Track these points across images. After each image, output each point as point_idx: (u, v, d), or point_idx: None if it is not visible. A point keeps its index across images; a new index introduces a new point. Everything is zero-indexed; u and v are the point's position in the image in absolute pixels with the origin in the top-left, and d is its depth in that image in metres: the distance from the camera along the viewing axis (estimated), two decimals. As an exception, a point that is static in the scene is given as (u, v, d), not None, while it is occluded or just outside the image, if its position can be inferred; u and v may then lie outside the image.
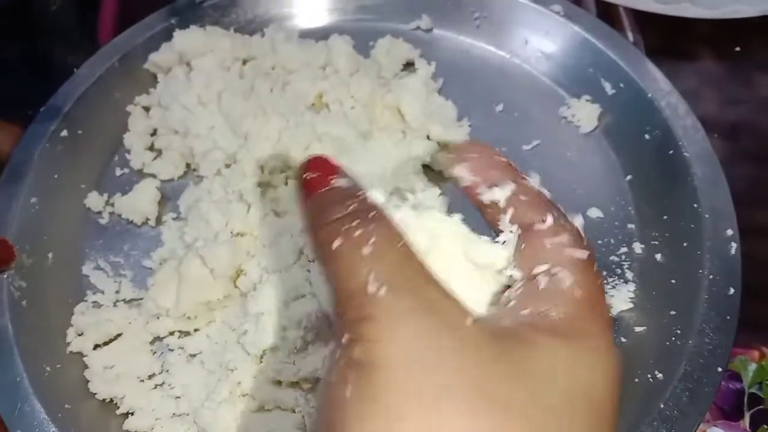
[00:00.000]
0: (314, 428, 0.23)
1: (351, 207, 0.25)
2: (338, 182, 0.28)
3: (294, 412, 0.44)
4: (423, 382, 0.21)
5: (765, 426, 0.47)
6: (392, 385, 0.21)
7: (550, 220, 0.28)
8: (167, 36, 0.58)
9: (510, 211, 0.28)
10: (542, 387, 0.22)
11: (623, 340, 0.47)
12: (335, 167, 0.29)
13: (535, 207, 0.28)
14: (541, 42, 0.61)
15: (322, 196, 0.27)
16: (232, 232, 0.48)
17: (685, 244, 0.48)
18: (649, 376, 0.43)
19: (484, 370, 0.21)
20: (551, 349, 0.23)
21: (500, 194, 0.29)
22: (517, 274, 0.27)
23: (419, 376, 0.21)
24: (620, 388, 0.24)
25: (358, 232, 0.24)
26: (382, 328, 0.22)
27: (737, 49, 0.67)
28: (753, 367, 0.50)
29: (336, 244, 0.24)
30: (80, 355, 0.47)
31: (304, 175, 0.29)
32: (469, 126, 0.56)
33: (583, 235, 0.28)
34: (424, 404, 0.20)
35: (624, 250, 0.51)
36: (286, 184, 0.52)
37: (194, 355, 0.47)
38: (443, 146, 0.54)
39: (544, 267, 0.26)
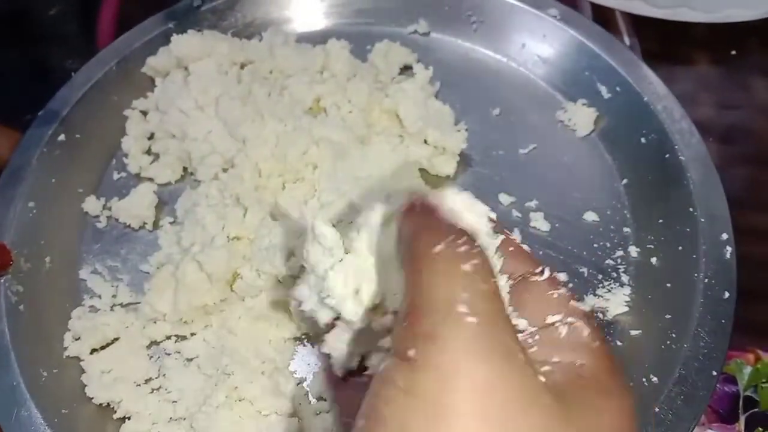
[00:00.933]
0: None
1: (458, 230, 0.25)
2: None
3: (291, 417, 0.44)
4: (483, 414, 0.20)
5: (760, 429, 0.47)
6: (453, 412, 0.20)
7: (547, 272, 0.28)
8: (165, 40, 0.58)
9: (501, 260, 0.28)
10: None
11: (619, 343, 0.47)
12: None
13: (526, 259, 0.29)
14: (538, 46, 0.61)
15: (434, 215, 0.26)
16: (228, 237, 0.48)
17: (680, 248, 0.48)
18: (644, 379, 0.44)
19: (540, 419, 0.21)
20: (590, 403, 0.24)
21: (489, 243, 0.28)
22: (523, 322, 0.27)
23: (474, 426, 0.20)
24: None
25: (463, 248, 0.23)
26: (456, 361, 0.21)
27: (733, 52, 0.67)
28: (748, 370, 0.50)
29: (439, 248, 0.23)
30: (77, 359, 0.47)
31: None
32: (466, 130, 0.56)
33: None
34: None
35: (620, 253, 0.51)
36: (283, 188, 0.52)
37: (191, 359, 0.47)
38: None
39: (559, 317, 0.27)
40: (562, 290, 0.28)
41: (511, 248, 0.29)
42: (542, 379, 0.22)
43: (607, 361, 0.26)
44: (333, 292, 0.28)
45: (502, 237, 0.29)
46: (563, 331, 0.26)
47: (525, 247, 0.30)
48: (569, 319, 0.26)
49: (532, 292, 0.28)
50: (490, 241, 0.28)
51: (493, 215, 0.28)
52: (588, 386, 0.25)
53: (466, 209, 0.28)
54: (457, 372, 0.21)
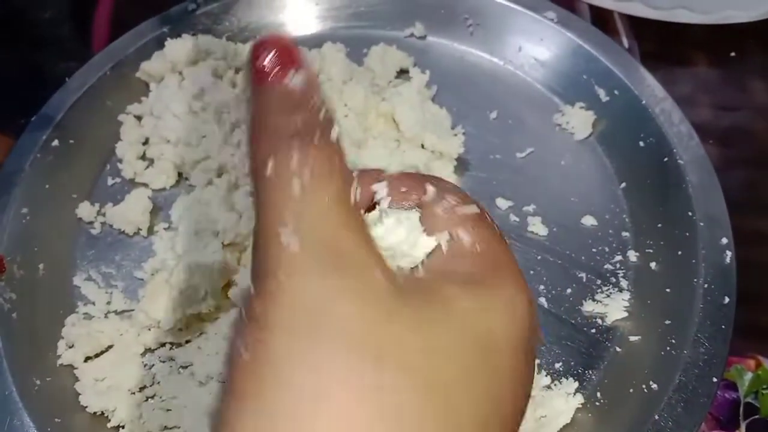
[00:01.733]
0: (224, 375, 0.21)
1: (298, 121, 0.22)
2: (293, 80, 0.23)
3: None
4: (313, 342, 0.19)
5: (761, 436, 0.47)
6: (281, 347, 0.19)
7: (430, 188, 0.26)
8: (159, 44, 0.58)
9: (392, 201, 0.27)
10: (438, 335, 0.21)
11: (618, 349, 0.47)
12: (294, 56, 0.23)
13: (413, 186, 0.27)
14: (535, 49, 0.60)
15: (269, 97, 0.23)
16: (223, 243, 0.48)
17: (679, 253, 0.48)
18: (643, 386, 0.43)
19: (379, 327, 0.20)
20: (452, 298, 0.22)
21: (381, 192, 0.27)
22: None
23: (309, 336, 0.19)
24: (529, 336, 0.23)
25: (294, 160, 0.21)
26: (282, 286, 0.20)
27: (732, 54, 0.67)
28: (749, 376, 0.49)
29: (269, 170, 0.21)
30: (71, 367, 0.47)
31: (257, 62, 0.23)
32: (463, 134, 0.56)
33: (466, 193, 0.27)
34: (312, 367, 0.19)
35: (618, 258, 0.51)
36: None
37: (185, 367, 0.47)
38: None
39: (445, 235, 0.25)
40: (449, 199, 0.26)
41: (398, 185, 0.27)
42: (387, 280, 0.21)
43: (490, 261, 0.24)
44: None
45: (385, 184, 0.27)
46: (445, 247, 0.25)
47: (413, 172, 0.29)
48: (454, 232, 0.25)
49: (427, 215, 0.26)
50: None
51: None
52: (455, 282, 0.23)
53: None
54: (284, 299, 0.20)
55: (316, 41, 0.60)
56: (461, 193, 0.27)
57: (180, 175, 0.56)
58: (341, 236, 0.21)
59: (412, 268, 0.25)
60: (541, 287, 0.49)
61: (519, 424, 0.23)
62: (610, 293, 0.49)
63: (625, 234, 0.52)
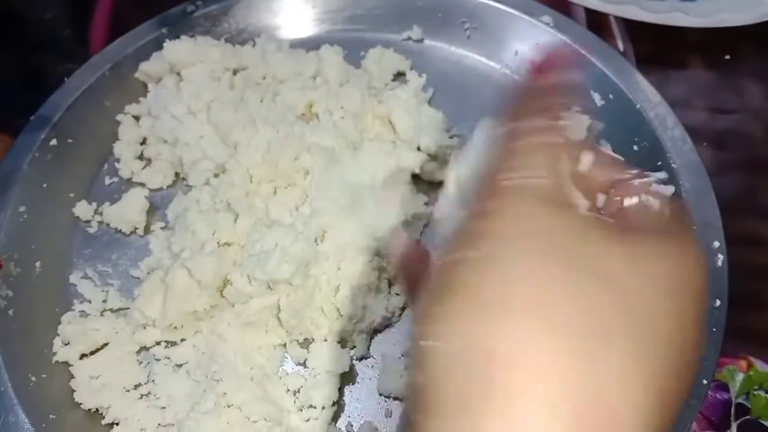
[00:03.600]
0: (431, 291, 0.24)
1: (546, 102, 0.28)
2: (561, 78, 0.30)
3: (279, 424, 0.44)
4: (530, 247, 0.23)
5: (752, 437, 0.47)
6: (500, 251, 0.23)
7: (633, 171, 0.29)
8: (158, 46, 0.59)
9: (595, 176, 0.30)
10: (644, 267, 0.23)
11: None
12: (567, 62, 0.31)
13: (620, 166, 0.30)
14: (532, 53, 0.60)
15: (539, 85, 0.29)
16: (218, 243, 0.48)
17: (672, 256, 0.48)
18: (634, 388, 0.43)
19: (589, 242, 0.23)
20: (652, 241, 0.25)
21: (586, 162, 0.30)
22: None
23: (527, 242, 0.23)
24: (708, 284, 0.26)
25: (534, 125, 0.27)
26: (504, 203, 0.24)
27: (727, 57, 0.67)
28: (740, 377, 0.49)
29: (513, 126, 0.27)
30: (66, 364, 0.47)
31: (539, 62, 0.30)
32: (459, 137, 0.56)
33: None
34: (527, 266, 0.22)
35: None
36: (275, 194, 0.52)
37: (180, 365, 0.47)
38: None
39: (635, 199, 0.28)
40: (649, 179, 0.29)
41: (606, 160, 0.31)
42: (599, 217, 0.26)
43: (677, 222, 0.27)
44: None
45: (592, 154, 0.30)
46: (634, 207, 0.27)
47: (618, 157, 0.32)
48: (644, 198, 0.28)
49: (619, 187, 0.29)
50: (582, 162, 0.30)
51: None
52: (649, 230, 0.26)
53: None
54: (507, 213, 0.24)
55: (313, 44, 0.61)
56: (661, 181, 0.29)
57: (177, 175, 0.56)
58: (563, 190, 0.25)
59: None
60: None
61: (693, 378, 0.25)
62: (603, 295, 0.49)
63: (618, 237, 0.52)
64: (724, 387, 0.49)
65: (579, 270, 0.22)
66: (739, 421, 0.48)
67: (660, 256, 0.24)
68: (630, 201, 0.28)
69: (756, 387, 0.48)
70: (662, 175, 0.30)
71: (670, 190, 0.28)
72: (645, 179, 0.29)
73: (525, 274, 0.22)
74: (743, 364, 0.50)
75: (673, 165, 0.51)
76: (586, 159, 0.30)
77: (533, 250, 0.23)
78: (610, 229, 0.24)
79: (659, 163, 0.52)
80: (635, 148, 0.54)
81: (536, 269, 0.22)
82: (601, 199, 0.29)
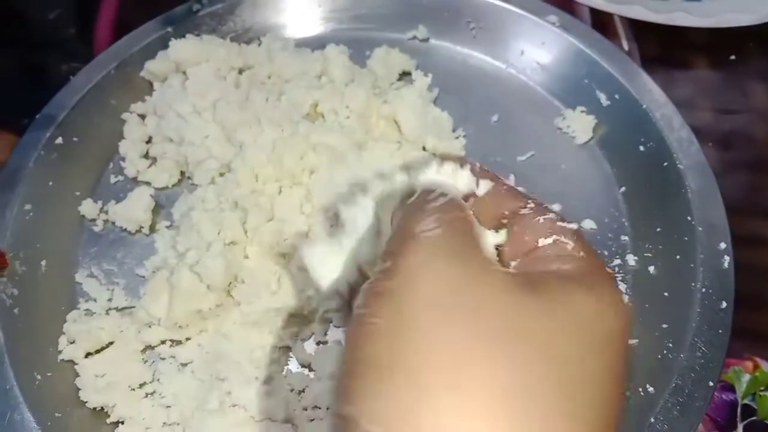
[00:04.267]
0: (345, 363, 0.23)
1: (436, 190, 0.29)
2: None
3: (284, 423, 0.44)
4: (441, 320, 0.22)
5: (757, 438, 0.47)
6: (417, 317, 0.22)
7: (532, 204, 0.30)
8: (163, 44, 0.58)
9: (491, 204, 0.31)
10: (563, 320, 0.23)
11: (615, 352, 0.47)
12: None
13: (516, 196, 0.31)
14: (537, 53, 0.61)
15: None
16: (224, 242, 0.48)
17: (678, 257, 0.48)
18: (640, 389, 0.43)
19: (515, 308, 0.23)
20: (571, 290, 0.24)
21: (482, 189, 0.32)
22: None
23: (444, 310, 0.22)
24: (629, 328, 0.26)
25: (431, 195, 0.28)
26: (416, 261, 0.23)
27: (732, 57, 0.67)
28: (746, 378, 0.49)
29: (410, 200, 0.28)
30: (71, 363, 0.47)
31: None
32: (464, 137, 0.56)
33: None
34: (451, 338, 0.21)
35: (617, 262, 0.51)
36: (280, 193, 0.52)
37: (185, 365, 0.47)
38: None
39: (549, 239, 0.27)
40: (550, 215, 0.29)
41: (502, 190, 0.32)
42: (509, 271, 0.25)
43: (591, 265, 0.27)
44: None
45: (490, 183, 0.32)
46: (549, 249, 0.27)
47: (519, 189, 0.32)
48: (557, 238, 0.27)
49: (522, 221, 0.29)
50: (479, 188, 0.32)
51: (476, 165, 0.33)
52: (568, 279, 0.25)
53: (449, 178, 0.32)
54: (419, 272, 0.23)
55: (318, 43, 0.61)
56: (558, 214, 0.30)
57: (182, 174, 0.56)
58: (465, 237, 0.25)
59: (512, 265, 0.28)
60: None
61: (620, 413, 0.24)
62: (609, 296, 0.49)
63: (624, 238, 0.52)
64: (730, 388, 0.49)
65: (494, 333, 0.22)
66: (745, 422, 0.48)
67: (576, 303, 0.24)
68: (545, 241, 0.28)
69: (762, 388, 0.48)
70: (557, 208, 0.31)
71: (573, 225, 0.29)
72: (549, 215, 0.29)
73: (437, 344, 0.21)
74: (749, 365, 0.50)
75: (679, 166, 0.51)
76: (484, 186, 0.32)
77: (442, 317, 0.22)
78: (522, 282, 0.24)
79: (665, 164, 0.52)
80: (641, 148, 0.54)
81: (448, 337, 0.21)
82: (500, 235, 0.30)
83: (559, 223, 0.28)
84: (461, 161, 0.33)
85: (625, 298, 0.29)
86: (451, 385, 0.21)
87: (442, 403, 0.20)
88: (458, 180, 0.32)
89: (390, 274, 0.23)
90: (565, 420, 0.21)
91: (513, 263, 0.28)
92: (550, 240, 0.27)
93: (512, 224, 0.29)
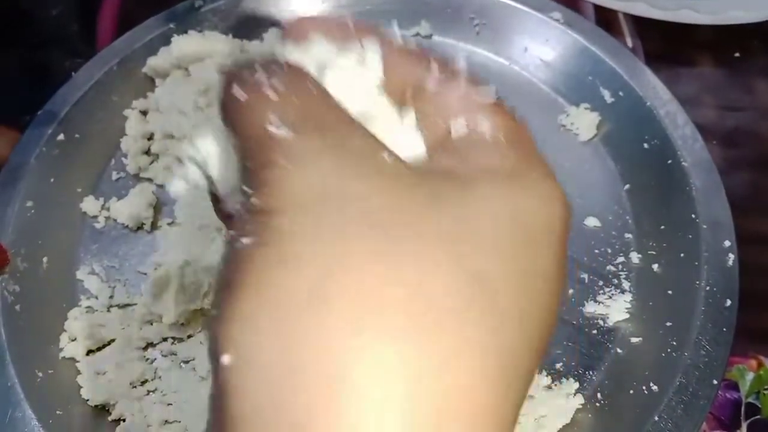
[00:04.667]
0: (217, 287, 0.19)
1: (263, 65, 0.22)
2: None
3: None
4: (323, 220, 0.18)
5: (762, 438, 0.47)
6: (288, 230, 0.18)
7: (436, 70, 0.23)
8: (166, 40, 0.58)
9: (389, 75, 0.24)
10: (465, 213, 0.19)
11: (619, 351, 0.47)
12: None
13: (414, 61, 0.24)
14: (541, 49, 0.60)
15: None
16: (226, 239, 0.48)
17: (682, 255, 0.48)
18: (644, 387, 0.43)
19: (398, 203, 0.18)
20: (482, 182, 0.20)
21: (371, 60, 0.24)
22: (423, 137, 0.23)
23: (319, 215, 0.18)
24: (567, 216, 0.22)
25: (263, 78, 0.20)
26: (280, 171, 0.19)
27: (737, 54, 0.67)
28: (751, 376, 0.49)
29: (238, 92, 0.21)
30: (73, 360, 0.47)
31: None
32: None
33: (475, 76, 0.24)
34: (327, 242, 0.17)
35: (621, 259, 0.51)
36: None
37: (187, 362, 0.47)
38: None
39: (460, 121, 0.22)
40: (462, 86, 0.23)
41: (395, 53, 0.24)
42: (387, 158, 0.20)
43: (516, 149, 0.22)
44: None
45: (378, 49, 0.24)
46: (461, 134, 0.22)
47: (411, 46, 0.25)
48: (470, 119, 0.22)
49: (430, 100, 0.23)
50: (367, 56, 0.24)
51: (349, 23, 0.25)
52: (481, 168, 0.21)
53: (315, 45, 0.25)
54: (292, 181, 0.18)
55: (321, 39, 0.60)
56: (471, 78, 0.24)
57: (184, 170, 0.56)
58: (332, 124, 0.20)
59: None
60: (543, 287, 0.49)
61: (553, 326, 0.20)
62: (612, 294, 0.49)
63: (627, 236, 0.52)
64: (734, 386, 0.49)
65: (390, 245, 0.18)
66: (749, 421, 0.47)
67: (497, 199, 0.20)
68: (457, 130, 0.22)
69: (766, 386, 0.48)
70: (463, 62, 0.24)
71: (489, 96, 0.23)
72: (461, 88, 0.23)
73: (327, 262, 0.17)
74: (753, 363, 0.50)
75: (683, 163, 0.51)
76: (373, 53, 0.24)
77: (331, 228, 0.18)
78: (428, 181, 0.20)
79: (669, 161, 0.52)
80: (645, 146, 0.53)
81: (342, 253, 0.17)
82: (410, 114, 0.23)
83: (473, 97, 0.23)
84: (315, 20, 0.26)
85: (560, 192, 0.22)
86: (322, 302, 0.17)
87: (314, 322, 0.17)
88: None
89: (253, 189, 0.19)
90: (487, 335, 0.18)
91: (430, 155, 0.23)
92: (463, 122, 0.22)
93: (419, 101, 0.23)
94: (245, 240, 0.18)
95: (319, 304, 0.17)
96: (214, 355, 0.18)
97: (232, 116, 0.21)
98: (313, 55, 0.24)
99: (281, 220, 0.18)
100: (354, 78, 0.23)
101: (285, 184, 0.18)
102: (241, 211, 0.19)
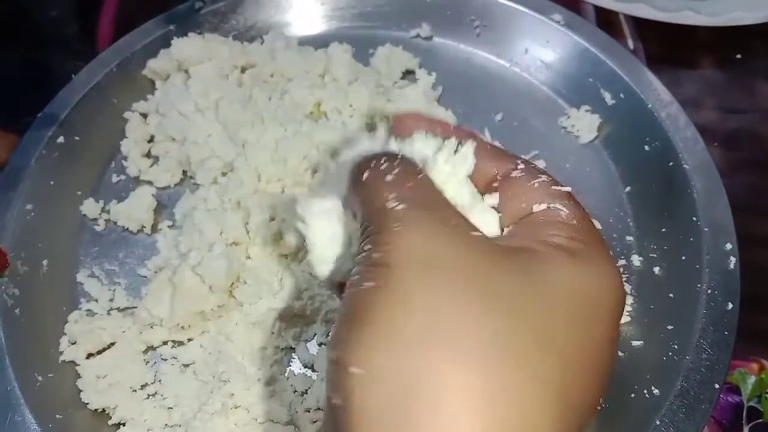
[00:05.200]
0: (343, 315, 0.25)
1: (379, 155, 0.29)
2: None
3: (287, 425, 0.43)
4: (431, 277, 0.23)
5: (763, 441, 0.46)
6: (404, 280, 0.23)
7: (522, 165, 0.30)
8: (166, 43, 0.58)
9: (480, 166, 0.30)
10: (543, 287, 0.24)
11: (620, 354, 0.46)
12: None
13: (503, 156, 0.30)
14: (542, 51, 0.60)
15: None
16: (227, 242, 0.48)
17: (683, 258, 0.48)
18: (645, 391, 0.43)
19: (489, 269, 0.24)
20: (556, 259, 0.25)
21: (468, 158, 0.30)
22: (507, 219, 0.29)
23: (427, 271, 0.23)
24: (622, 300, 0.26)
25: (384, 165, 0.28)
26: (397, 234, 0.24)
27: (738, 56, 0.67)
28: (752, 379, 0.49)
29: (365, 175, 0.28)
30: (73, 364, 0.47)
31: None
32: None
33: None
34: (431, 296, 0.23)
35: (622, 262, 0.50)
36: (283, 192, 0.51)
37: (187, 366, 0.47)
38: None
39: (543, 206, 0.28)
40: (543, 178, 0.29)
41: (486, 150, 0.31)
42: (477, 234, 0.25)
43: (586, 234, 0.27)
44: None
45: (474, 145, 0.30)
46: (541, 215, 0.27)
47: (498, 145, 0.32)
48: (551, 204, 0.27)
49: (514, 186, 0.29)
50: (461, 151, 0.30)
51: (452, 121, 0.32)
52: (554, 246, 0.26)
53: (418, 140, 0.31)
54: (402, 243, 0.24)
55: (322, 41, 0.60)
56: (549, 174, 0.29)
57: (184, 173, 0.56)
58: (436, 204, 0.26)
59: (501, 231, 0.28)
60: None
61: (604, 393, 0.25)
62: (613, 297, 0.49)
63: (629, 238, 0.52)
64: (736, 390, 0.48)
65: (484, 300, 0.23)
66: (750, 425, 0.47)
67: (557, 272, 0.24)
68: (538, 207, 0.27)
69: (768, 390, 0.48)
70: (542, 163, 0.29)
71: (567, 188, 0.28)
72: (541, 178, 0.28)
73: (432, 306, 0.22)
74: (755, 366, 0.49)
75: (685, 166, 0.51)
76: (468, 149, 0.30)
77: (437, 282, 0.23)
78: (511, 254, 0.25)
79: (671, 164, 0.51)
80: (646, 148, 0.53)
81: (443, 301, 0.23)
82: (494, 198, 0.29)
83: (554, 187, 0.28)
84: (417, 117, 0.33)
85: (620, 271, 0.28)
86: (427, 337, 0.22)
87: (420, 351, 0.22)
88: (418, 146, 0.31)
89: (375, 247, 0.25)
90: (547, 389, 0.22)
91: (506, 229, 0.28)
92: (543, 206, 0.27)
93: (504, 188, 0.29)
94: (367, 284, 0.24)
95: (426, 339, 0.22)
96: (341, 367, 0.23)
97: (362, 193, 0.28)
98: (418, 149, 0.31)
99: (399, 274, 0.23)
100: (451, 167, 0.30)
101: (400, 244, 0.24)
102: (362, 264, 0.25)
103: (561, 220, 0.27)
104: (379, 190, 0.27)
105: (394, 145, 0.31)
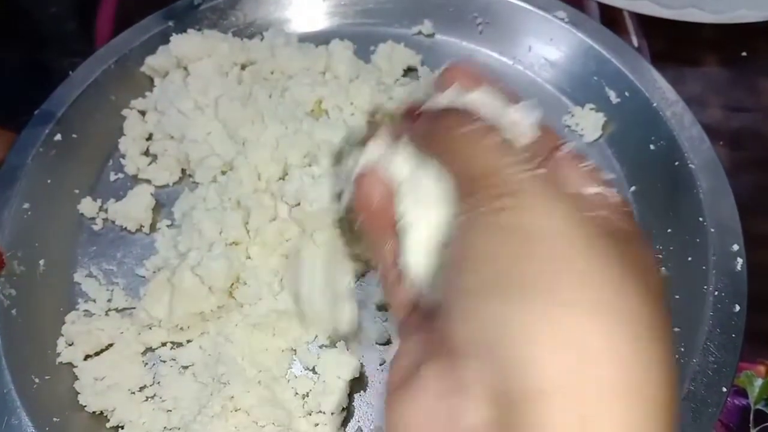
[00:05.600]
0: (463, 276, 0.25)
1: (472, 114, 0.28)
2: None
3: (287, 428, 0.43)
4: (573, 248, 0.23)
5: (770, 444, 0.46)
6: (547, 248, 0.23)
7: (569, 144, 0.30)
8: (164, 39, 0.57)
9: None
10: (637, 272, 0.24)
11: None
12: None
13: (551, 132, 0.31)
14: (545, 49, 0.60)
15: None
16: (226, 242, 0.47)
17: (690, 259, 0.47)
18: (652, 394, 0.42)
19: (609, 239, 0.24)
20: (631, 242, 0.26)
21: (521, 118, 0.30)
22: None
23: (569, 243, 0.23)
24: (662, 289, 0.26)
25: (479, 125, 0.27)
26: (536, 200, 0.24)
27: (743, 54, 0.66)
28: (759, 382, 0.48)
29: (464, 129, 0.27)
30: (70, 365, 0.46)
31: None
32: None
33: None
34: (574, 263, 0.23)
35: (627, 263, 0.50)
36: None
37: (187, 367, 0.46)
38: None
39: (595, 189, 0.28)
40: (590, 162, 0.29)
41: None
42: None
43: (633, 222, 0.28)
44: None
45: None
46: (593, 198, 0.28)
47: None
48: (601, 189, 0.28)
49: (563, 166, 0.29)
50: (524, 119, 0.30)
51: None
52: (619, 235, 0.26)
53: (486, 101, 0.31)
54: (545, 211, 0.24)
55: (323, 38, 0.60)
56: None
57: (183, 171, 0.55)
58: (551, 180, 0.26)
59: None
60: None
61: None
62: (619, 298, 0.48)
63: (634, 238, 0.51)
64: (743, 393, 0.48)
65: (611, 262, 0.23)
66: (758, 428, 0.47)
67: (632, 251, 0.25)
68: (589, 190, 0.28)
69: (775, 393, 0.48)
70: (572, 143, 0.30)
71: (610, 175, 0.29)
72: (588, 163, 0.29)
73: (570, 262, 0.23)
74: (762, 369, 0.49)
75: (690, 165, 0.50)
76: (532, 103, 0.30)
77: (574, 243, 0.23)
78: (614, 238, 0.25)
79: (676, 163, 0.51)
80: (651, 147, 0.53)
81: (578, 257, 0.23)
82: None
83: (601, 173, 0.29)
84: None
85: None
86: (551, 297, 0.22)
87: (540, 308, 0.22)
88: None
89: (501, 211, 0.24)
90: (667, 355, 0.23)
91: None
92: (595, 189, 0.28)
93: (550, 165, 0.29)
94: (501, 248, 0.24)
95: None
96: None
97: (453, 151, 0.28)
98: (481, 101, 0.31)
99: (534, 239, 0.23)
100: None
101: (536, 208, 0.24)
102: (479, 224, 0.25)
103: (612, 203, 0.27)
104: (488, 149, 0.26)
105: (459, 97, 0.31)
